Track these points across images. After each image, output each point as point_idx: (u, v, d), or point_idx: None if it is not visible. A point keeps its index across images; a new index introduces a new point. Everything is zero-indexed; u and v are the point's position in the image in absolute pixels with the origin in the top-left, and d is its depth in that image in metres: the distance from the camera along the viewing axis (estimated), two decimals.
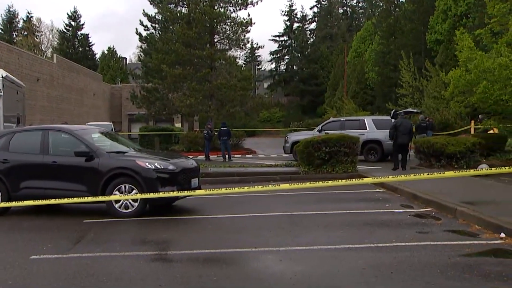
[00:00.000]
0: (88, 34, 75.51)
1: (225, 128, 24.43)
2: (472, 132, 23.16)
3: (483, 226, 8.02)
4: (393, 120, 21.67)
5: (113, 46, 75.74)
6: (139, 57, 45.38)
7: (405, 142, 16.77)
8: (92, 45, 75.61)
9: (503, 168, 7.04)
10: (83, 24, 74.07)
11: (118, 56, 73.22)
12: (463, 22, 42.22)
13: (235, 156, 26.67)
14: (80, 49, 73.12)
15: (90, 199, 7.54)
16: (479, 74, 17.16)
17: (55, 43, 79.00)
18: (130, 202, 9.71)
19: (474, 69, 17.26)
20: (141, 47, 45.61)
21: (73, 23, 72.58)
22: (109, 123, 39.26)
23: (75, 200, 8.47)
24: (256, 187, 6.50)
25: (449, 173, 7.15)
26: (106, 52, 72.29)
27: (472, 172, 8.81)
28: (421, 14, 50.30)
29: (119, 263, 6.53)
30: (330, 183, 6.92)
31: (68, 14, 72.75)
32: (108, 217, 9.64)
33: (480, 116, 24.17)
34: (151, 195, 8.58)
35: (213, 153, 26.24)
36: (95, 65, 70.90)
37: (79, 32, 73.33)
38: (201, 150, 28.04)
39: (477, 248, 6.87)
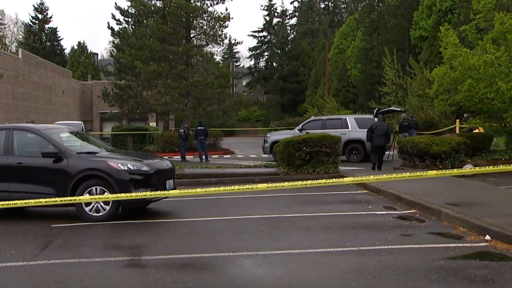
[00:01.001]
0: (57, 28, 74.44)
1: (202, 128, 24.37)
2: (457, 131, 23.49)
3: (468, 228, 8.13)
4: (376, 119, 21.88)
5: (83, 41, 75.34)
6: (111, 52, 45.05)
7: (380, 144, 17.75)
8: (61, 39, 74.72)
9: (487, 167, 7.15)
10: (50, 17, 73.08)
11: (88, 51, 72.55)
12: (448, 18, 42.83)
13: (212, 156, 26.62)
14: (48, 43, 72.12)
15: (58, 200, 7.40)
16: (464, 71, 17.39)
17: (20, 37, 77.84)
18: (101, 205, 9.63)
19: (459, 67, 17.49)
20: (113, 42, 45.15)
21: (39, 15, 71.43)
22: (79, 122, 38.88)
23: (42, 202, 8.33)
24: (233, 187, 6.48)
25: (431, 173, 7.23)
26: (76, 47, 71.68)
27: (455, 171, 8.92)
28: (405, 9, 50.90)
29: (90, 269, 6.46)
30: (309, 183, 6.93)
31: (34, 6, 71.56)
32: (78, 221, 9.53)
33: (465, 115, 24.50)
34: (123, 196, 8.49)
35: (189, 154, 26.14)
36: (64, 61, 70.06)
37: (46, 26, 72.23)
38: (176, 151, 27.90)
39: (462, 251, 6.96)
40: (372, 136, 17.74)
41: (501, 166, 7.23)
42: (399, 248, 7.15)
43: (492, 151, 19.46)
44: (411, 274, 5.93)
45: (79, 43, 71.47)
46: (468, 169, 11.59)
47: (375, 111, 23.26)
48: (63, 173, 9.68)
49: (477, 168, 8.02)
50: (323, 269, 6.28)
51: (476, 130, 21.34)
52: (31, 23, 72.04)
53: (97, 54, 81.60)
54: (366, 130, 21.28)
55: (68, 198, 6.65)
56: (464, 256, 6.73)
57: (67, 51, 76.01)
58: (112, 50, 47.10)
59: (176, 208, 11.15)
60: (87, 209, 9.62)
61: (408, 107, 33.81)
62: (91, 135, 13.80)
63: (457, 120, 24.78)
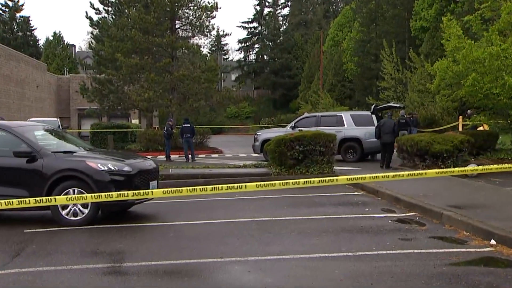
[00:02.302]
0: (29, 16, 73.93)
1: (188, 125, 24.31)
2: (460, 128, 23.61)
3: (472, 232, 8.17)
4: (373, 115, 21.96)
5: (59, 32, 74.85)
6: (90, 44, 44.86)
7: (387, 141, 18.29)
8: (34, 29, 74.30)
9: (492, 166, 7.18)
10: (22, 5, 72.62)
11: (65, 43, 72.03)
12: (451, 8, 42.94)
13: (199, 156, 26.57)
14: (20, 34, 71.63)
15: (31, 201, 7.25)
16: (468, 65, 17.45)
17: None
18: (79, 208, 9.57)
19: (462, 60, 17.54)
20: (92, 33, 44.90)
21: (10, 3, 70.80)
22: (56, 119, 38.71)
23: (14, 204, 8.24)
24: (220, 186, 6.47)
25: (431, 172, 7.25)
26: (51, 38, 71.01)
27: (457, 170, 8.95)
28: None
29: (66, 278, 6.42)
30: (302, 181, 6.93)
31: None
32: (54, 226, 9.47)
33: (468, 111, 24.64)
34: (103, 198, 8.42)
35: (174, 153, 26.08)
36: (38, 53, 69.66)
37: (18, 14, 71.70)
38: (161, 150, 27.85)
39: (465, 257, 7.00)
40: (380, 134, 18.55)
41: (507, 165, 7.26)
42: (398, 253, 7.17)
43: (497, 150, 19.59)
44: (411, 281, 5.95)
45: (55, 33, 70.88)
46: (471, 168, 11.64)
47: (372, 107, 23.35)
48: (37, 174, 9.61)
49: (480, 167, 8.05)
50: (317, 275, 6.28)
51: (481, 128, 21.43)
52: (0, 12, 71.36)
53: (74, 45, 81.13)
54: (363, 127, 21.57)
55: (44, 198, 6.56)
56: (467, 262, 6.76)
57: (41, 42, 75.65)
58: (91, 41, 46.88)
59: (160, 211, 11.12)
60: (63, 212, 9.56)
61: (408, 103, 33.94)
62: (68, 133, 13.73)
63: (460, 117, 24.89)
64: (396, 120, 22.62)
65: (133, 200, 9.55)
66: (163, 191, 6.54)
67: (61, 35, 71.10)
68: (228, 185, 6.57)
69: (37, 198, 6.21)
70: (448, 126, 25.99)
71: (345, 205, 11.50)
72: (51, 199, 6.68)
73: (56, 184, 9.57)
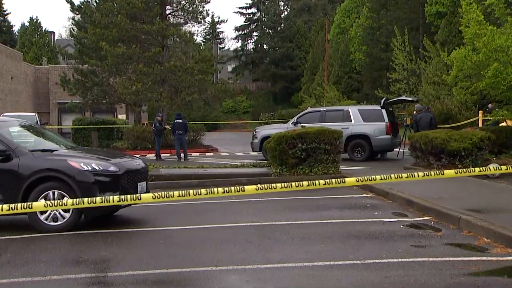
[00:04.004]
0: (2, 0, 73.82)
1: (180, 121, 24.30)
2: (480, 124, 23.55)
3: (493, 239, 8.16)
4: (383, 110, 21.95)
5: (37, 17, 74.77)
6: (71, 31, 44.77)
7: None
8: (8, 14, 74.23)
9: None
10: None
11: (43, 29, 71.94)
12: None
13: (192, 154, 26.59)
14: None
15: (4, 209, 7.19)
16: (489, 53, 17.40)
17: None
18: (60, 213, 9.55)
19: (483, 48, 17.49)
20: (73, 18, 44.96)
21: None
22: (33, 114, 38.62)
23: None
24: (216, 191, 6.45)
25: (449, 173, 7.23)
26: (27, 24, 70.90)
27: (476, 171, 8.92)
28: None
29: None
30: (306, 185, 6.91)
31: None
32: (32, 232, 9.44)
33: (489, 105, 24.61)
34: (86, 204, 8.39)
35: (165, 151, 26.09)
36: (12, 40, 69.63)
37: None
38: (150, 148, 27.84)
39: (486, 266, 6.99)
40: (417, 129, 19.46)
41: None
42: (410, 261, 7.17)
43: None
44: None
45: (31, 19, 70.73)
46: (492, 168, 11.62)
47: (382, 101, 23.35)
48: (12, 174, 9.58)
49: (503, 167, 8.02)
50: (322, 285, 6.28)
51: (503, 123, 21.41)
52: None
53: (53, 32, 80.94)
54: (372, 123, 21.54)
55: (19, 205, 6.49)
56: (488, 272, 6.76)
57: (16, 28, 75.59)
58: (72, 28, 46.83)
59: (150, 214, 11.12)
60: (42, 217, 9.53)
61: (422, 96, 33.93)
62: (48, 130, 13.69)
63: (480, 112, 24.85)
64: (412, 115, 22.64)
65: (119, 203, 9.52)
66: (152, 196, 6.51)
67: (38, 21, 71.05)
68: (225, 188, 6.54)
69: (12, 205, 6.14)
70: (467, 121, 25.94)
71: (352, 208, 11.50)
72: (27, 205, 6.60)
73: (33, 186, 9.54)
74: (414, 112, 22.82)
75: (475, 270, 6.78)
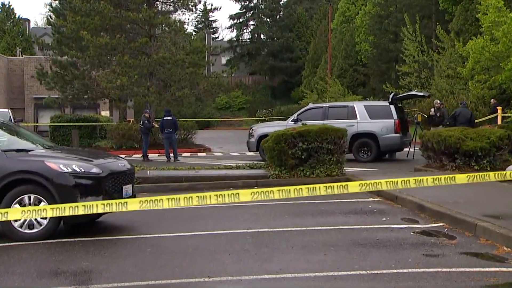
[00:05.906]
0: None
1: (170, 118, 24.31)
2: (499, 122, 23.61)
3: None
4: (392, 106, 21.97)
5: (9, 2, 74.46)
6: (48, 19, 44.46)
7: None
8: None
9: None
10: None
11: (17, 16, 71.73)
12: None
13: (183, 155, 26.60)
14: None
15: None
16: (510, 43, 17.37)
17: None
18: (36, 219, 9.52)
19: (503, 37, 17.48)
20: (50, 5, 44.85)
21: None
22: (6, 110, 38.35)
23: None
24: (209, 195, 6.45)
25: (460, 178, 7.23)
26: None
27: (492, 177, 8.93)
28: None
29: None
30: (305, 191, 6.91)
31: None
32: (5, 241, 9.42)
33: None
34: (67, 212, 8.38)
35: (153, 151, 26.08)
36: None
37: None
38: (137, 147, 27.82)
39: (506, 278, 6.99)
40: (455, 125, 19.19)
41: None
42: (422, 272, 7.17)
43: None
44: None
45: (3, 4, 70.35)
46: (508, 174, 11.60)
47: (390, 96, 23.37)
48: None
49: None
50: None
51: None
52: None
53: (29, 20, 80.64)
54: (379, 120, 21.56)
55: None
56: (509, 284, 6.77)
57: None
58: (50, 15, 46.61)
59: (136, 220, 11.10)
60: (16, 224, 9.46)
61: (434, 91, 34.02)
62: (23, 128, 13.67)
63: (499, 108, 24.92)
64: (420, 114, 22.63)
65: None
66: (139, 202, 6.49)
67: (11, 7, 70.74)
68: (217, 193, 6.55)
69: None
70: (484, 119, 26.00)
71: (358, 213, 11.51)
72: (1, 214, 6.55)
73: (7, 190, 9.49)
74: (433, 108, 22.71)
75: (494, 282, 6.78)
